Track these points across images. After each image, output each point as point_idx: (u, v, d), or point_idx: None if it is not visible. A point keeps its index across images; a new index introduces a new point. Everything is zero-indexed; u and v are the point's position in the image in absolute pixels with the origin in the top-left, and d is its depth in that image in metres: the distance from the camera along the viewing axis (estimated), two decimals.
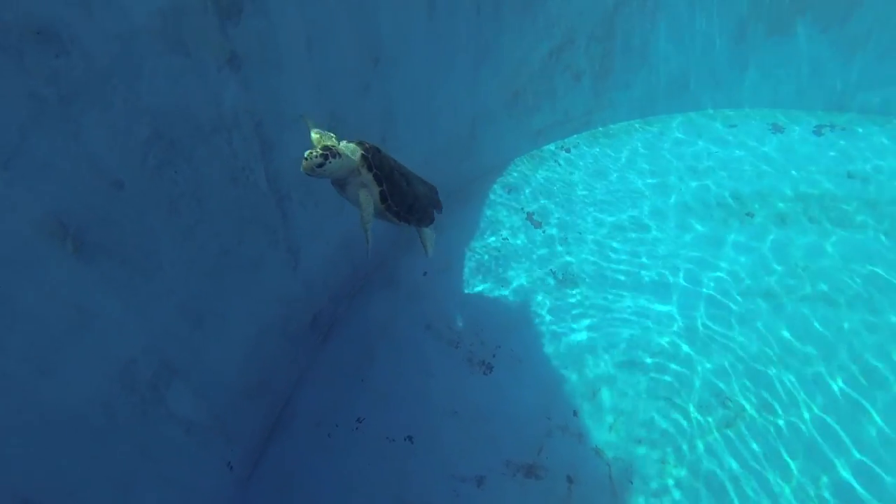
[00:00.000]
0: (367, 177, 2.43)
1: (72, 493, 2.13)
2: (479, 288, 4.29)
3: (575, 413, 3.60)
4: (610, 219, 4.73)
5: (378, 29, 3.29)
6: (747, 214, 4.70)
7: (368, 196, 2.49)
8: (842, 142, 5.26)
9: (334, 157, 2.27)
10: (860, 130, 5.36)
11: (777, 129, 5.45)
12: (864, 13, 5.01)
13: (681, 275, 4.29)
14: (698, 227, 4.64)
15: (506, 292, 4.25)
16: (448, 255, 4.44)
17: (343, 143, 2.40)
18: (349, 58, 3.19)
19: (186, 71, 2.30)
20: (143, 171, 2.23)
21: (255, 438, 3.37)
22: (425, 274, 4.34)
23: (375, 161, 2.42)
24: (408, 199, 2.68)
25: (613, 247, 4.52)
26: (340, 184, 2.45)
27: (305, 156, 2.22)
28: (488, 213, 4.76)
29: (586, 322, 4.06)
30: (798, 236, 4.52)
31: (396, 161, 2.71)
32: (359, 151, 2.40)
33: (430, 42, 3.73)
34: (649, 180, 5.03)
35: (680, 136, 5.43)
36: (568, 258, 4.47)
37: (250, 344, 3.14)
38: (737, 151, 5.26)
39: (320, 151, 2.23)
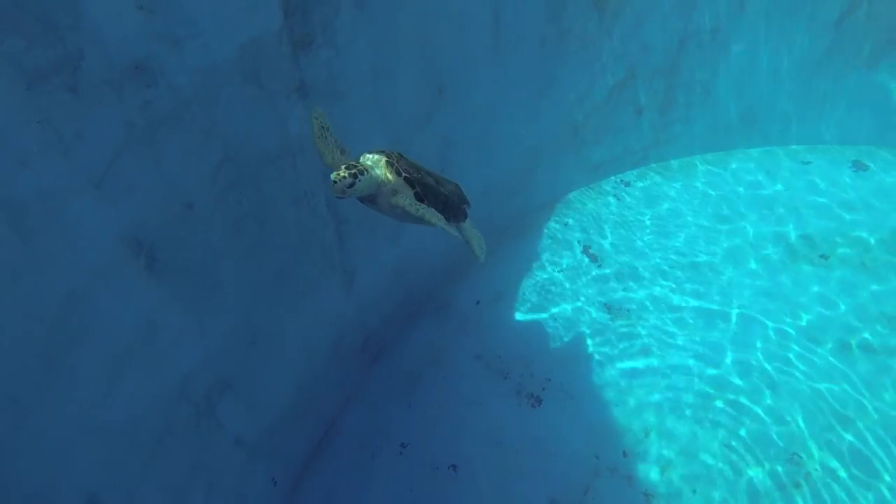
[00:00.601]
0: (398, 182, 2.30)
1: (131, 493, 2.22)
2: (532, 319, 4.25)
3: (625, 454, 3.48)
4: (668, 256, 4.61)
5: (443, 59, 3.37)
6: (821, 257, 4.47)
7: (414, 201, 2.37)
8: None
9: (362, 173, 2.17)
10: None
11: (858, 166, 5.15)
12: None
13: (741, 317, 4.12)
14: (763, 268, 4.45)
15: (558, 325, 4.19)
16: (501, 285, 4.43)
17: (363, 157, 2.31)
18: (413, 87, 3.27)
19: (258, 99, 2.43)
20: (211, 192, 2.35)
21: (299, 456, 3.42)
22: (478, 303, 4.34)
23: (402, 166, 2.33)
24: (441, 198, 2.55)
25: (671, 285, 4.40)
26: (370, 199, 2.32)
27: (333, 178, 2.11)
28: (544, 245, 4.73)
29: (641, 361, 3.95)
30: (878, 283, 4.26)
31: (419, 162, 2.60)
32: (383, 160, 2.29)
33: (493, 73, 3.79)
34: (711, 218, 4.88)
35: (747, 172, 5.25)
36: (623, 294, 4.37)
37: (301, 363, 3.21)
38: (810, 190, 5.02)
39: (348, 172, 2.13)
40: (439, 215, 2.45)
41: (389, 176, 2.28)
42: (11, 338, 1.71)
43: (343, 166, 2.15)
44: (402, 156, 2.41)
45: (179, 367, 2.42)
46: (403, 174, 2.32)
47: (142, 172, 2.03)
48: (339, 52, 2.74)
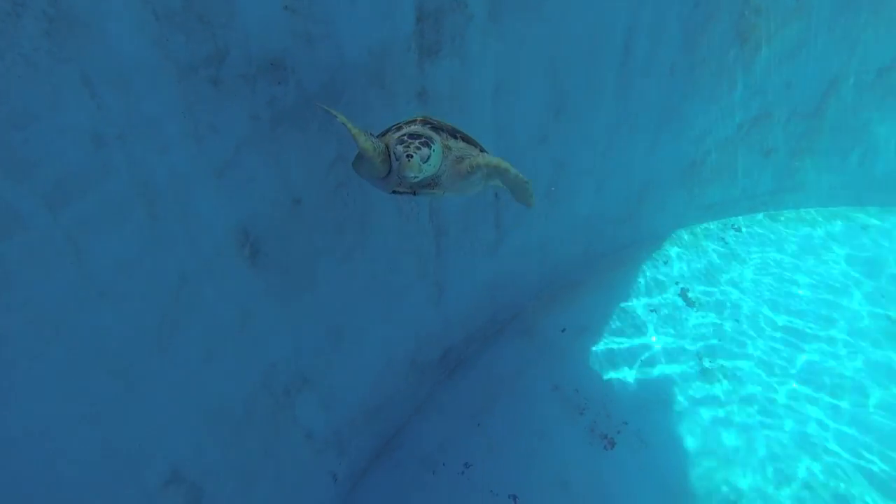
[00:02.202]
0: (460, 147, 1.93)
1: (207, 472, 2.27)
2: (617, 357, 4.04)
3: None
4: (778, 315, 4.24)
5: (565, 82, 3.24)
6: None
7: (489, 157, 1.98)
8: None
9: (432, 141, 1.80)
10: None
11: None
12: None
13: (852, 397, 3.72)
14: (878, 345, 4.00)
15: (645, 367, 3.96)
16: (590, 315, 4.24)
17: (392, 134, 1.92)
18: (532, 107, 3.17)
19: (378, 101, 2.41)
20: (321, 190, 2.35)
21: (363, 458, 3.41)
22: (563, 331, 4.18)
23: (446, 128, 1.96)
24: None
25: (776, 347, 4.04)
26: (433, 180, 1.91)
27: (409, 153, 1.74)
28: (641, 280, 4.49)
29: (730, 420, 3.65)
30: None
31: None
32: (426, 129, 1.88)
33: (615, 99, 3.62)
34: (836, 281, 4.44)
35: (887, 237, 4.73)
36: (718, 344, 4.07)
37: (380, 367, 3.20)
38: None
39: (418, 142, 1.77)
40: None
41: (449, 143, 1.91)
42: (130, 312, 1.78)
43: (400, 145, 1.77)
44: (429, 118, 2.00)
45: (266, 358, 2.45)
46: (457, 134, 1.95)
47: (259, 165, 2.06)
48: (464, 63, 2.69)
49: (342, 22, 2.11)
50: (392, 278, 2.93)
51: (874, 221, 4.86)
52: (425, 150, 1.77)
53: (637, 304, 4.35)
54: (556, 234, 3.96)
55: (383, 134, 1.98)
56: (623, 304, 4.35)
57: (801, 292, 4.38)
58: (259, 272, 2.22)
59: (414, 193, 1.94)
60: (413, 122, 1.96)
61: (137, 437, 1.93)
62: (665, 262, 4.64)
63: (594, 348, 4.09)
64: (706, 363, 3.98)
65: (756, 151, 4.58)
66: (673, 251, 4.73)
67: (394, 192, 1.96)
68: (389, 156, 1.85)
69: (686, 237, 4.84)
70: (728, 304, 4.32)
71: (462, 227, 3.15)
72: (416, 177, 1.77)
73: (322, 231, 2.45)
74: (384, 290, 2.92)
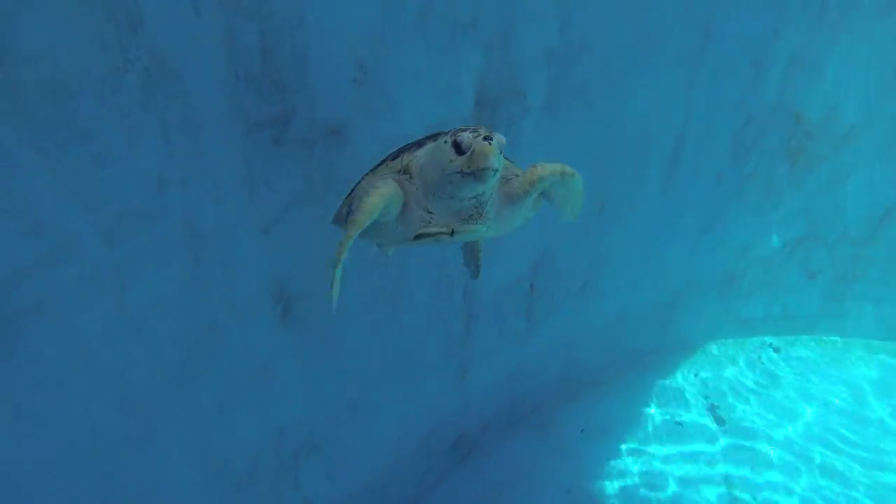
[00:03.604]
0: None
1: None
2: (636, 467, 3.83)
3: None
4: (813, 449, 3.99)
5: (612, 178, 3.28)
6: None
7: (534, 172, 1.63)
8: None
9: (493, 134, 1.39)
10: None
11: None
12: None
13: None
14: None
15: (664, 481, 3.74)
16: (612, 419, 4.07)
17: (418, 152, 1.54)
18: None
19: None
20: (359, 258, 2.36)
21: None
22: (582, 431, 4.01)
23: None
24: None
25: (806, 487, 3.77)
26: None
27: (485, 136, 1.34)
28: (669, 390, 4.33)
29: None
30: None
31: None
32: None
33: (660, 200, 3.63)
34: (874, 421, 4.20)
35: None
36: (748, 474, 3.83)
37: (392, 445, 3.09)
38: None
39: (480, 127, 1.38)
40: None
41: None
42: (159, 351, 1.78)
43: (461, 132, 1.37)
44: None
45: (280, 418, 2.39)
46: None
47: (305, 226, 2.10)
48: (515, 150, 2.75)
49: (405, 98, 2.20)
50: (417, 356, 2.88)
51: None
52: (500, 135, 1.36)
53: (661, 414, 4.17)
54: (585, 330, 3.88)
55: (377, 167, 1.61)
56: (646, 412, 4.17)
57: (842, 429, 4.14)
58: (287, 330, 2.21)
59: (451, 233, 1.51)
60: (423, 141, 1.55)
61: (137, 482, 1.87)
62: (696, 374, 4.48)
63: (613, 454, 3.89)
64: (735, 490, 3.74)
65: (800, 272, 4.49)
66: (706, 364, 4.56)
67: (419, 236, 1.52)
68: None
69: (718, 350, 4.68)
70: (760, 432, 4.10)
71: (493, 313, 3.12)
72: (495, 171, 1.33)
73: (355, 299, 2.44)
74: (408, 367, 2.87)
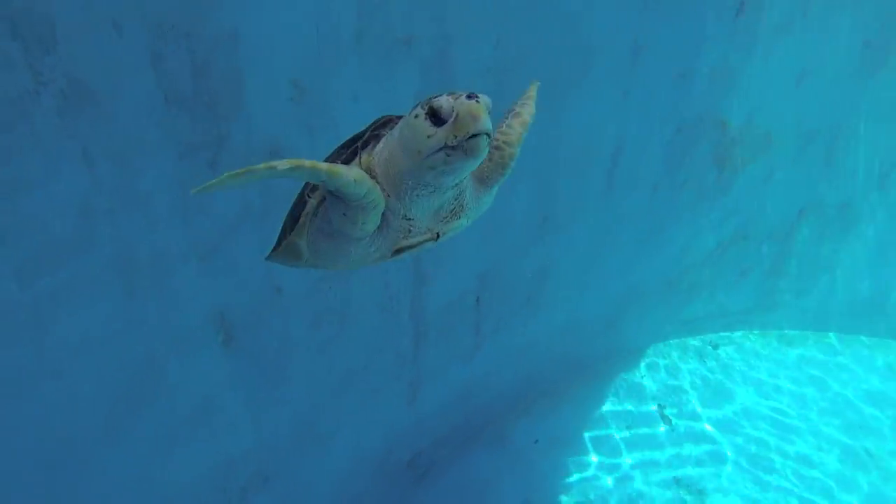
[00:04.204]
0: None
1: None
2: (591, 472, 3.88)
3: None
4: (756, 436, 4.16)
5: (554, 192, 3.34)
6: None
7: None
8: None
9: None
10: None
11: None
12: None
13: None
14: (858, 477, 3.91)
15: (620, 487, 3.80)
16: (565, 427, 4.11)
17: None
18: (518, 212, 3.23)
19: None
20: (303, 280, 2.31)
21: None
22: (536, 442, 4.03)
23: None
24: None
25: (759, 476, 3.91)
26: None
27: (469, 94, 1.09)
28: (618, 394, 4.41)
29: None
30: None
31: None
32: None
33: (600, 210, 3.72)
34: (811, 406, 4.41)
35: (863, 363, 4.75)
36: (696, 470, 3.94)
37: (346, 468, 3.01)
38: None
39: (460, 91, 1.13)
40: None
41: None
42: (83, 395, 1.66)
43: (437, 98, 1.11)
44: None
45: (226, 452, 2.29)
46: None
47: (245, 252, 2.02)
48: None
49: (343, 116, 2.17)
50: (367, 377, 2.82)
51: (839, 347, 4.92)
52: (485, 96, 1.12)
53: (612, 419, 4.24)
54: (534, 342, 3.91)
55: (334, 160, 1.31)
56: (598, 418, 4.24)
57: (779, 416, 4.33)
58: (230, 359, 2.13)
59: (437, 238, 1.34)
60: (368, 135, 1.30)
61: None
62: (642, 377, 4.59)
63: (568, 462, 3.93)
64: (685, 486, 3.84)
65: (733, 271, 4.69)
66: (651, 365, 4.69)
67: (399, 250, 1.33)
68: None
69: (665, 351, 4.82)
70: (705, 426, 4.23)
71: (442, 329, 3.10)
72: (488, 137, 1.10)
73: (300, 322, 2.38)
74: (358, 389, 2.81)
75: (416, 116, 1.11)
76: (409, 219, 1.25)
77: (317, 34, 1.96)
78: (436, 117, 1.09)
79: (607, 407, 4.32)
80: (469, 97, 1.08)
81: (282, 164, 1.01)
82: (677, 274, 4.54)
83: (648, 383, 4.54)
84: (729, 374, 4.67)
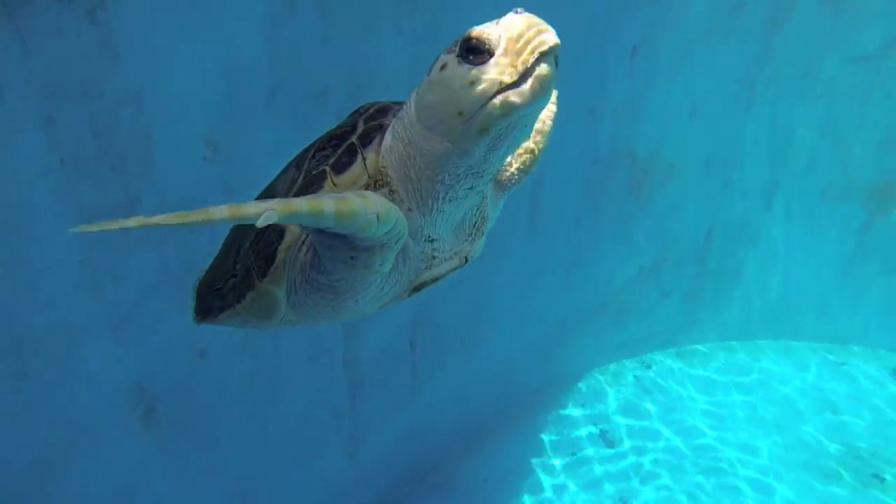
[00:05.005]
0: None
1: None
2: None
3: None
4: (691, 454, 4.28)
5: None
6: (874, 477, 4.11)
7: None
8: None
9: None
10: None
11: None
12: None
13: None
14: (803, 487, 4.08)
15: None
16: (512, 463, 4.09)
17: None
18: None
19: None
20: (230, 342, 2.21)
21: None
22: (485, 481, 3.98)
23: None
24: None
25: (690, 488, 4.02)
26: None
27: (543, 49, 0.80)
28: (560, 423, 4.45)
29: None
30: None
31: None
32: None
33: (528, 243, 3.79)
34: (738, 413, 4.61)
35: (776, 367, 5.03)
36: (640, 487, 4.00)
37: None
38: (850, 394, 4.73)
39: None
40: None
41: None
42: None
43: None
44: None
45: None
46: None
47: (164, 316, 1.92)
48: None
49: (259, 173, 2.11)
50: (305, 433, 2.72)
51: (758, 353, 5.21)
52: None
53: (557, 448, 4.27)
54: (472, 380, 3.91)
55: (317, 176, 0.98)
56: (543, 449, 4.25)
57: (710, 428, 4.49)
58: (153, 432, 1.99)
59: (465, 262, 1.12)
60: (366, 114, 1.04)
61: None
62: (582, 403, 4.66)
63: (519, 497, 3.90)
64: None
65: (656, 293, 4.88)
66: (589, 391, 4.77)
67: (418, 288, 1.08)
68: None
69: (601, 377, 4.92)
70: (644, 446, 4.33)
71: (378, 378, 3.04)
72: (556, 60, 0.81)
73: (229, 384, 2.27)
74: (296, 447, 2.69)
75: (445, 66, 0.81)
76: (433, 240, 0.99)
77: (228, 90, 1.93)
78: (473, 50, 0.79)
79: (551, 437, 4.34)
80: (516, 12, 0.80)
81: (254, 209, 0.70)
82: (605, 300, 4.68)
83: (588, 409, 4.61)
84: (664, 392, 4.82)
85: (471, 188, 0.92)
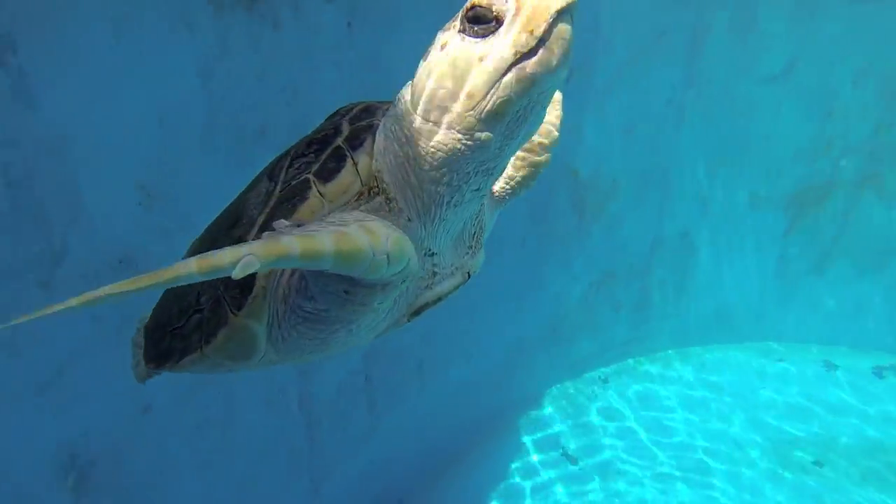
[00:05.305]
0: None
1: None
2: None
3: None
4: (653, 463, 4.33)
5: None
6: (815, 464, 4.29)
7: None
8: None
9: None
10: None
11: (830, 367, 5.21)
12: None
13: None
14: (754, 478, 4.20)
15: None
16: (476, 491, 4.04)
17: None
18: None
19: None
20: (174, 393, 2.10)
21: None
22: None
23: None
24: None
25: (656, 496, 4.07)
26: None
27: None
28: (522, 446, 4.43)
29: None
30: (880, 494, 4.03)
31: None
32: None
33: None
34: (691, 417, 4.72)
35: (722, 369, 5.20)
36: (612, 500, 4.02)
37: None
38: (787, 389, 4.95)
39: None
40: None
41: None
42: None
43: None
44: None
45: None
46: None
47: (98, 373, 1.80)
48: None
49: (199, 216, 2.04)
50: (263, 480, 2.59)
51: (706, 358, 5.39)
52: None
53: (520, 472, 4.24)
54: (431, 411, 3.86)
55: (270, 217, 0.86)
56: (506, 474, 4.22)
57: (667, 435, 4.58)
58: (87, 502, 1.85)
59: (467, 279, 1.06)
60: (350, 115, 0.94)
61: None
62: (542, 424, 4.66)
63: None
64: None
65: (607, 307, 4.98)
66: (548, 411, 4.78)
67: (418, 312, 1.02)
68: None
69: (559, 395, 4.95)
70: (608, 457, 4.37)
71: (335, 415, 2.96)
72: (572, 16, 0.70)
73: (177, 438, 2.15)
74: (252, 495, 2.57)
75: (446, 45, 0.70)
76: (433, 253, 0.89)
77: (161, 132, 1.86)
78: (481, 22, 0.68)
79: (513, 461, 4.32)
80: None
81: (229, 257, 0.58)
82: (557, 319, 4.73)
83: (549, 429, 4.62)
84: (622, 404, 4.89)
85: (478, 189, 0.82)
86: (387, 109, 0.84)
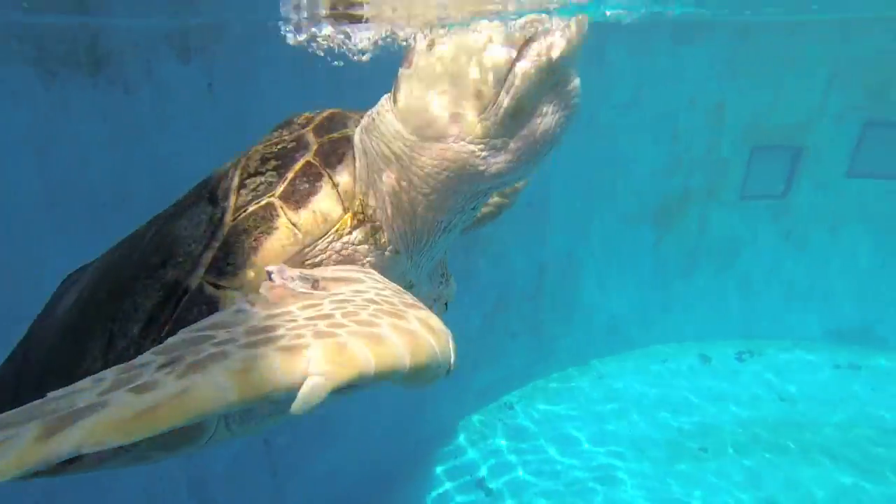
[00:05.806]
0: None
1: None
2: None
3: None
4: (564, 476, 4.45)
5: None
6: (701, 450, 4.65)
7: None
8: (759, 366, 5.61)
9: None
10: (776, 354, 5.75)
11: (704, 359, 5.75)
12: (742, 260, 5.80)
13: None
14: (656, 472, 4.43)
15: None
16: None
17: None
18: None
19: None
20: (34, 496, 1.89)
21: None
22: None
23: None
24: None
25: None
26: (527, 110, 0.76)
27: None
28: (435, 480, 4.39)
29: None
30: (767, 468, 4.45)
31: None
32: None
33: None
34: (594, 426, 4.96)
35: (617, 377, 5.57)
36: None
37: None
38: (673, 386, 5.40)
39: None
40: None
41: None
42: None
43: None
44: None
45: None
46: None
47: None
48: None
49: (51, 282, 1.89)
50: None
51: (609, 368, 5.68)
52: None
53: (436, 501, 4.24)
54: (338, 465, 3.74)
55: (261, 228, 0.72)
56: None
57: (581, 444, 4.79)
58: None
59: (446, 308, 0.88)
60: (315, 125, 0.79)
61: None
62: (455, 457, 4.66)
63: None
64: None
65: (504, 335, 5.10)
66: (459, 443, 4.80)
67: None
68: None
69: (468, 426, 4.99)
70: (523, 479, 4.45)
71: (233, 488, 2.78)
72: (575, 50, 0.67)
73: None
74: None
75: (433, 44, 0.60)
76: (413, 285, 0.77)
77: None
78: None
79: (429, 497, 4.28)
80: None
81: (282, 376, 0.45)
82: (459, 352, 4.77)
83: (461, 460, 4.64)
84: (529, 423, 5.02)
85: (474, 208, 0.70)
86: (359, 119, 0.71)
